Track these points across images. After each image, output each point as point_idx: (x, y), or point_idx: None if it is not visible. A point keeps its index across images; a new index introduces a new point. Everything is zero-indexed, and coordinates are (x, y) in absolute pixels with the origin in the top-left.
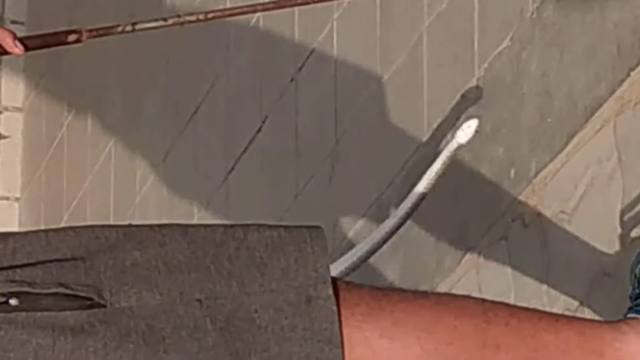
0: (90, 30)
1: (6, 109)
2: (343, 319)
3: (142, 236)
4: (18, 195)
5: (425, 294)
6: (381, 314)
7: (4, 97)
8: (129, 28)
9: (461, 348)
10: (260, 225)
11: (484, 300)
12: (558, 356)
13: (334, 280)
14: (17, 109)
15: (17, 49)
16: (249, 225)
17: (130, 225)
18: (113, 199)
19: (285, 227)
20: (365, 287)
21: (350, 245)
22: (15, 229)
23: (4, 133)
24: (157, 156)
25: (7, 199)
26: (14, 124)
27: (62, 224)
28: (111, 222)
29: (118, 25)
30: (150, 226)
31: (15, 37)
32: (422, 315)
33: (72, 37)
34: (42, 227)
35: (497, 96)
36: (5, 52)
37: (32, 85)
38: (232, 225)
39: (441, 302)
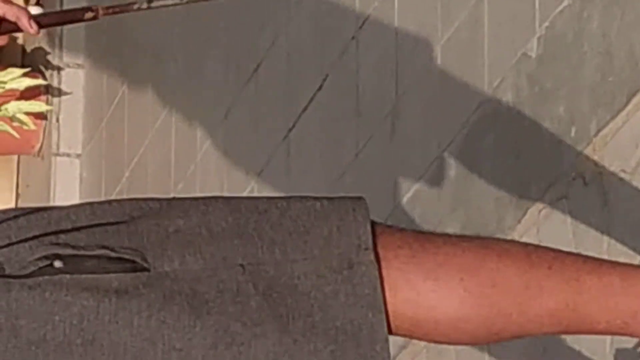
0: (106, 8)
1: (68, 65)
2: (387, 262)
3: (186, 206)
4: (79, 152)
5: (469, 238)
6: (425, 256)
7: (65, 53)
8: (144, 6)
9: (504, 290)
10: (303, 196)
11: (527, 244)
12: (601, 299)
13: (377, 224)
14: (79, 66)
15: (32, 29)
16: (292, 196)
17: (174, 198)
18: (174, 156)
19: (329, 197)
20: (408, 231)
21: (411, 204)
22: (76, 185)
23: (65, 90)
24: (218, 114)
25: (68, 155)
26: (76, 81)
27: (123, 181)
28: (172, 179)
29: (134, 3)
30: (194, 198)
31: (30, 16)
32: (465, 258)
33: (88, 15)
34: (103, 184)
35: (558, 55)
36: (20, 30)
37: (94, 43)
38: (275, 197)
39: (485, 245)
